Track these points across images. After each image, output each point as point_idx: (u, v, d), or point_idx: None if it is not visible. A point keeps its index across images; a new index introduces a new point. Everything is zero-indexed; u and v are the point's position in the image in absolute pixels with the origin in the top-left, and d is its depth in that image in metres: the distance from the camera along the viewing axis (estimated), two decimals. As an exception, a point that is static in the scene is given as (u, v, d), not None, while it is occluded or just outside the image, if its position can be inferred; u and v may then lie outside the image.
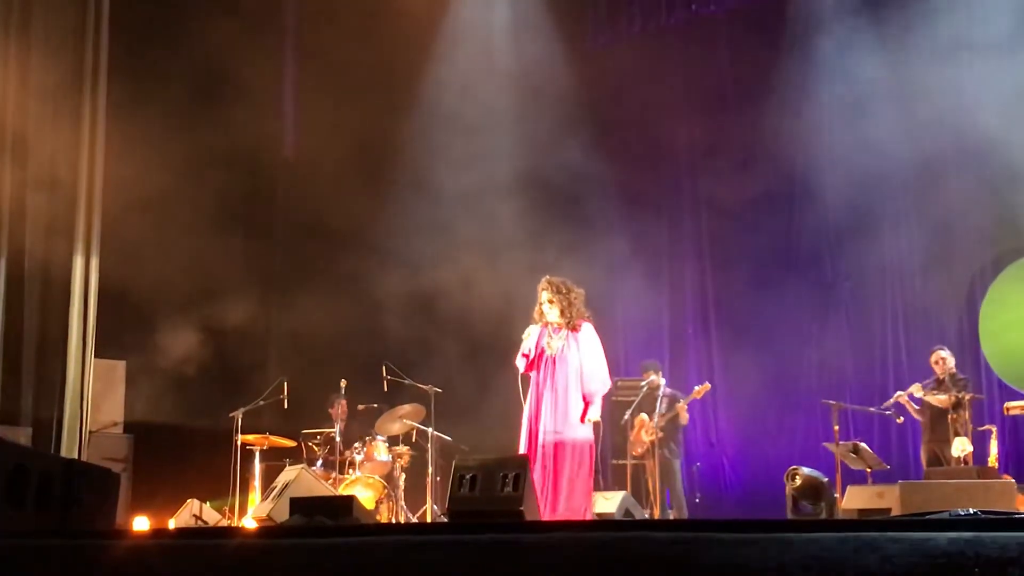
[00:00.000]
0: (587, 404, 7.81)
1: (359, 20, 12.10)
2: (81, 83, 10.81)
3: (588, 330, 7.97)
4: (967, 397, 9.43)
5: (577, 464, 7.65)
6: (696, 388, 10.83)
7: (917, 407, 9.91)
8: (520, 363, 8.01)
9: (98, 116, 10.89)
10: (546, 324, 7.99)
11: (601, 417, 8.04)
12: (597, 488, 8.61)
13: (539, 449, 7.69)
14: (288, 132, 13.88)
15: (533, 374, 7.94)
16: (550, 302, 7.96)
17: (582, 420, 7.75)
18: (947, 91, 11.01)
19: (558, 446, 7.67)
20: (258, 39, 12.48)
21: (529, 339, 7.93)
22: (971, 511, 3.85)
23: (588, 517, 7.61)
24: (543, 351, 7.95)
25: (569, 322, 7.93)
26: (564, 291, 7.97)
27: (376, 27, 11.98)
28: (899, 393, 9.99)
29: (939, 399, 9.61)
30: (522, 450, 7.76)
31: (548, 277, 8.05)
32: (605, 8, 12.98)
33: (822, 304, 11.70)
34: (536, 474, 7.48)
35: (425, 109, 12.66)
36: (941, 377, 9.75)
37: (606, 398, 8.50)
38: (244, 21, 12.10)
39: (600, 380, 7.90)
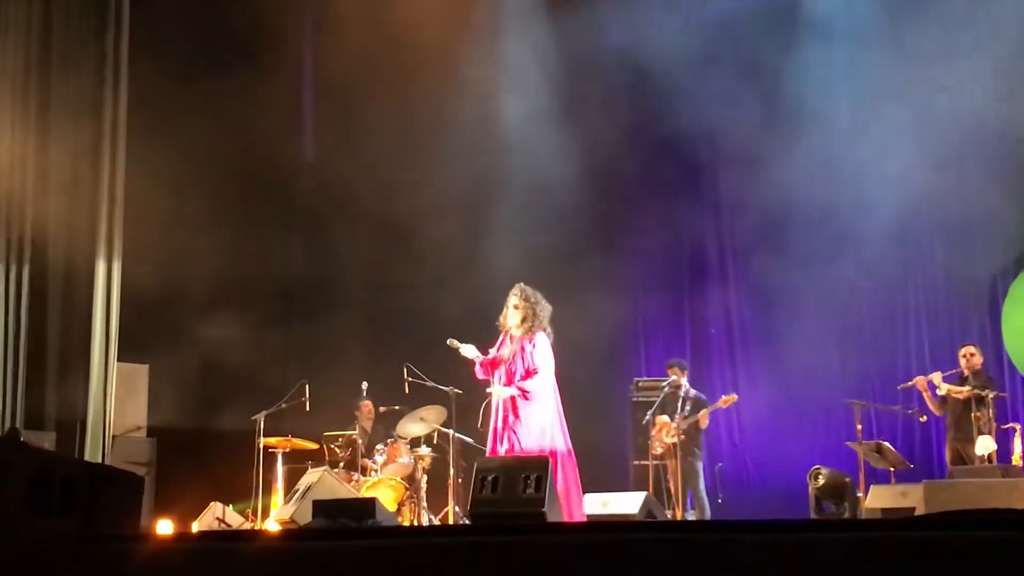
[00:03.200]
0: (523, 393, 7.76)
1: (378, 26, 12.08)
2: (102, 86, 10.85)
3: (541, 339, 7.93)
4: (991, 395, 9.37)
5: None
6: (723, 397, 10.75)
7: (935, 399, 9.85)
8: (479, 371, 8.05)
9: (119, 120, 10.92)
10: (506, 331, 8.00)
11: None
12: (609, 490, 8.61)
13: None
14: (309, 135, 13.91)
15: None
16: (515, 307, 7.97)
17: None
18: (966, 90, 10.95)
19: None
20: (279, 45, 12.50)
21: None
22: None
23: None
24: (497, 360, 7.97)
25: (526, 332, 7.92)
26: (532, 301, 7.96)
27: (395, 36, 11.94)
28: (919, 377, 9.93)
29: (959, 391, 9.57)
30: None
31: (521, 284, 8.06)
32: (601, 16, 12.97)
33: (844, 303, 11.64)
34: None
35: (443, 113, 12.62)
36: (965, 373, 9.70)
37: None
38: (263, 28, 12.12)
39: (533, 383, 7.80)
